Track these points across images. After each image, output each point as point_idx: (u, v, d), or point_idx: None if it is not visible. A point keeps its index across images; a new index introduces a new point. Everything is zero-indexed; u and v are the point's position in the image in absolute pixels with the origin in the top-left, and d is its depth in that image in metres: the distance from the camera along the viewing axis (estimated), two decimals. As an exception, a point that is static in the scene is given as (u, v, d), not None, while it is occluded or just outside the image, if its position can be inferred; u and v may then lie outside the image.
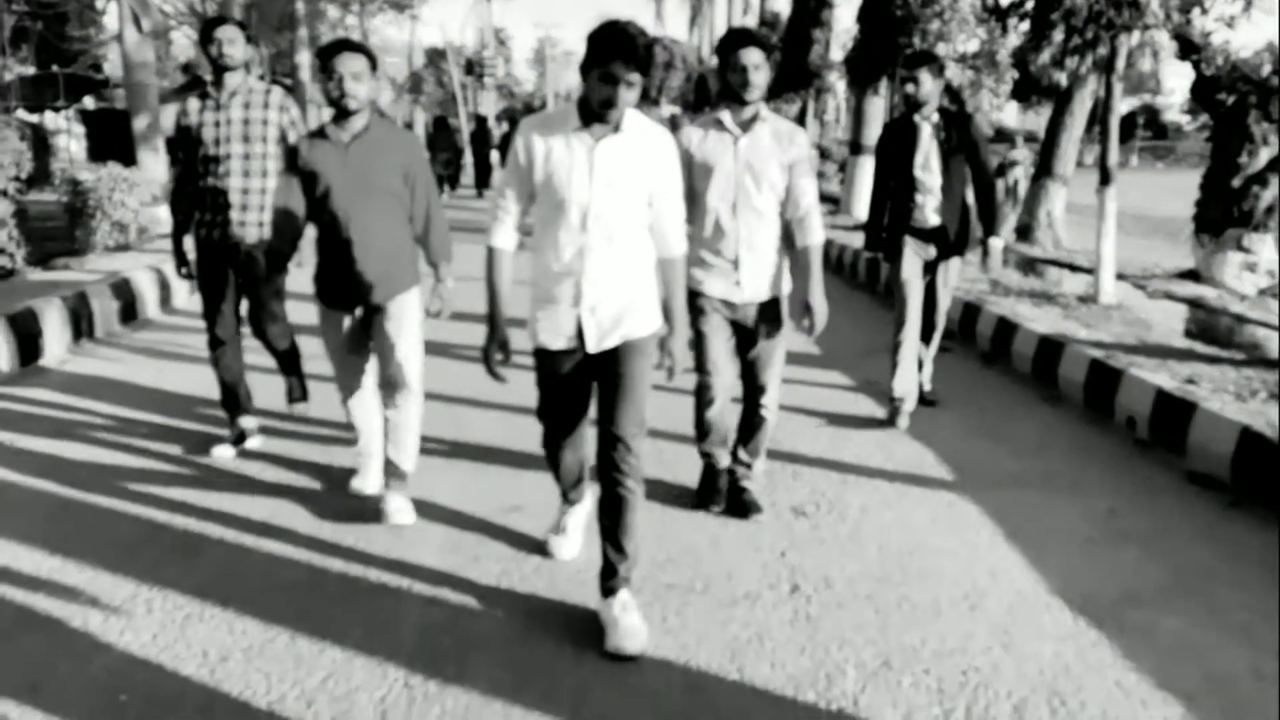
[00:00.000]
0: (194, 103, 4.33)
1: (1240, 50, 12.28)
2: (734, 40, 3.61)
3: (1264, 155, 11.71)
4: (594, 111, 2.80)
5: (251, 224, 4.29)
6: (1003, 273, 9.36)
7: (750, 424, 3.90)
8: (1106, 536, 3.76)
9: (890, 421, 5.02)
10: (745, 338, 3.77)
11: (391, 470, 3.78)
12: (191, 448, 4.49)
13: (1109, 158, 7.77)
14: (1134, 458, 4.70)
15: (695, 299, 3.64)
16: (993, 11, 12.28)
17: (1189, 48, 11.76)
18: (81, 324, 6.76)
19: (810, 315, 3.71)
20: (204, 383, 4.66)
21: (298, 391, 4.75)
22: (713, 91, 28.89)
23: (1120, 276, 10.94)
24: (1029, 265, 11.58)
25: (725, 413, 3.82)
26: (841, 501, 4.05)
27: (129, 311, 7.48)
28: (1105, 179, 7.74)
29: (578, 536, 3.43)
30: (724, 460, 3.92)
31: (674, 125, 12.19)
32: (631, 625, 2.87)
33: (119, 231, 9.71)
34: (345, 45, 3.57)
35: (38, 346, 6.13)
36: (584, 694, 2.64)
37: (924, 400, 5.38)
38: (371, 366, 3.87)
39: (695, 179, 3.62)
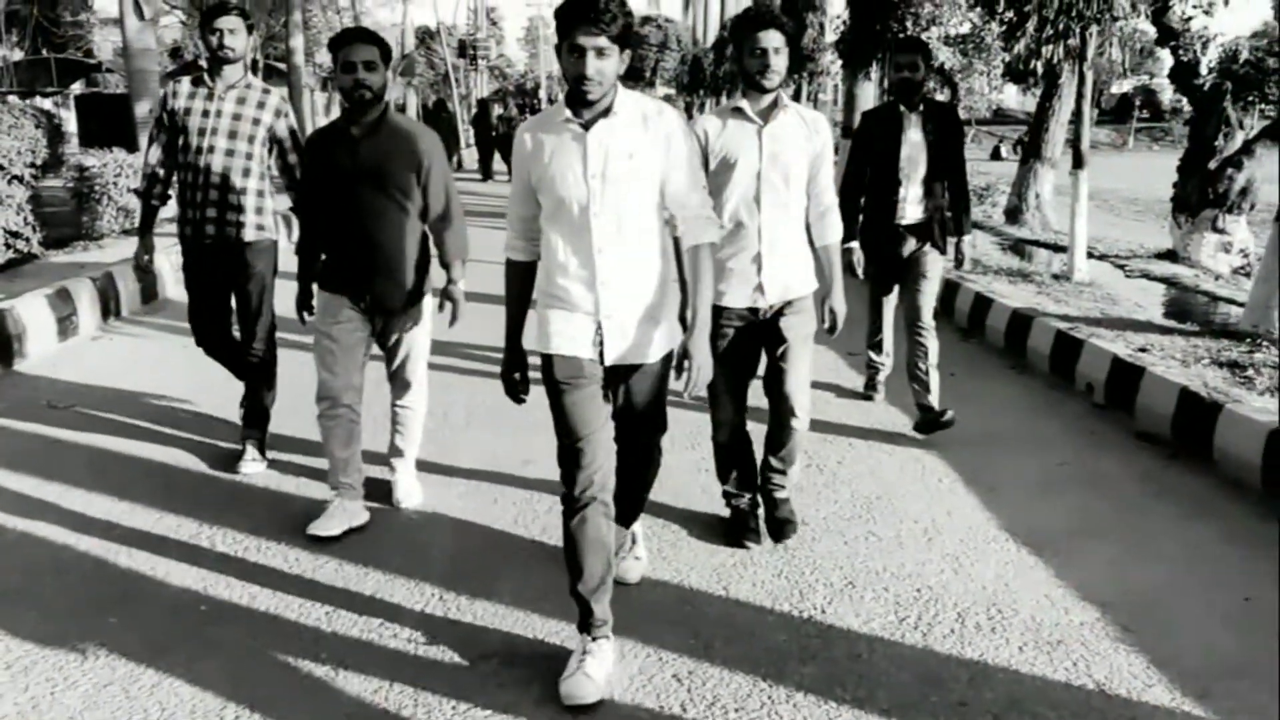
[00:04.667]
0: (185, 85, 4.15)
1: (1219, 36, 12.68)
2: (752, 22, 3.35)
3: (1239, 138, 12.14)
4: (577, 96, 2.54)
5: (231, 223, 4.14)
6: (985, 251, 9.80)
7: (780, 435, 3.56)
8: (1055, 484, 4.22)
9: (867, 392, 5.46)
10: (772, 339, 3.47)
11: (397, 453, 3.90)
12: (222, 416, 4.85)
13: (1082, 142, 8.19)
14: (1089, 418, 5.15)
15: (714, 315, 3.20)
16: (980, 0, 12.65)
17: (1167, 34, 12.16)
18: (109, 303, 7.19)
19: (832, 316, 3.58)
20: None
21: (255, 450, 4.25)
22: (707, 74, 29.16)
23: (1102, 257, 11.40)
24: (1016, 247, 11.98)
25: (743, 440, 3.62)
26: (820, 455, 4.50)
27: (149, 293, 7.88)
28: (1078, 163, 8.17)
29: (601, 680, 2.65)
30: (748, 503, 3.67)
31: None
32: (635, 559, 3.29)
33: (124, 217, 9.90)
34: (357, 35, 3.51)
35: (74, 324, 6.56)
36: (593, 607, 3.10)
37: (940, 422, 4.69)
38: (366, 373, 3.73)
39: (714, 174, 3.34)
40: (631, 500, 3.09)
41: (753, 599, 3.18)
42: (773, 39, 3.28)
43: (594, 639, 2.72)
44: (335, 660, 2.80)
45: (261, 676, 2.72)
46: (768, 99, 3.36)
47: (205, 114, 4.10)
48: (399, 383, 3.85)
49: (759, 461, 3.68)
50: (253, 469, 4.21)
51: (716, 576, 3.33)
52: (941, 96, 20.58)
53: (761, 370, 3.57)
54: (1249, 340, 5.69)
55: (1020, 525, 3.76)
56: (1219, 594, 3.25)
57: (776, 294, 3.41)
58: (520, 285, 2.79)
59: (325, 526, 3.54)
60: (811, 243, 3.55)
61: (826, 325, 3.58)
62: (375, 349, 3.81)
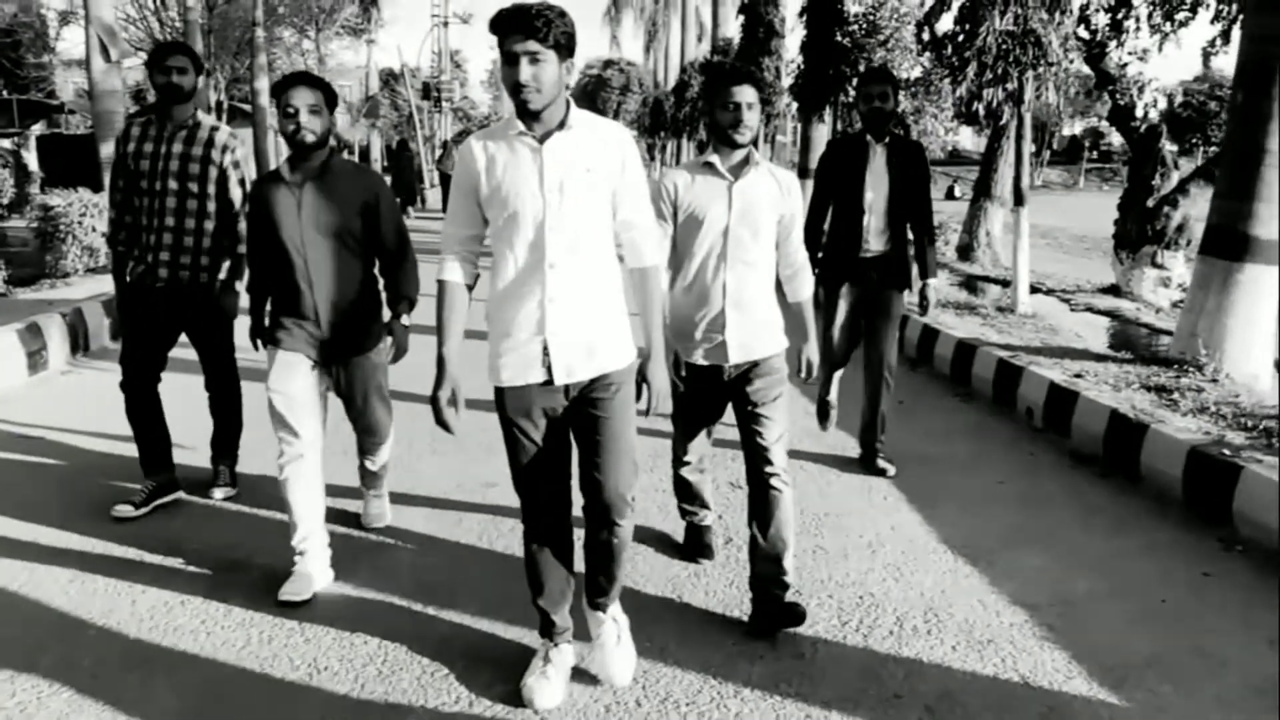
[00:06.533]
0: (135, 129, 4.11)
1: (1154, 80, 13.30)
2: (726, 76, 3.26)
3: (1175, 178, 12.69)
4: (520, 107, 2.50)
5: (184, 266, 4.10)
6: (937, 287, 10.13)
7: (764, 501, 3.25)
8: (993, 501, 4.47)
9: (822, 425, 5.66)
10: (741, 399, 3.34)
11: (367, 476, 4.00)
12: (191, 445, 4.95)
13: (1022, 181, 8.59)
14: (1028, 441, 5.43)
15: (675, 368, 3.38)
16: (927, 45, 13.16)
17: (1105, 79, 12.72)
18: (79, 338, 7.28)
19: (809, 365, 3.57)
20: (193, 393, 4.69)
21: (226, 477, 4.40)
22: (668, 116, 29.73)
23: (1049, 291, 11.85)
24: (966, 282, 12.37)
25: (703, 472, 3.80)
26: (772, 477, 4.71)
27: (117, 328, 7.95)
28: (1019, 201, 8.56)
29: (561, 682, 2.83)
30: (707, 518, 3.82)
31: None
32: (622, 657, 2.91)
33: (88, 256, 10.01)
34: (300, 79, 3.44)
35: (44, 358, 6.64)
36: (553, 617, 3.26)
37: (877, 468, 4.85)
38: (322, 424, 3.62)
39: (681, 229, 3.32)
40: (602, 572, 2.84)
41: (706, 606, 3.38)
42: (746, 94, 3.20)
43: (555, 644, 2.90)
44: (308, 668, 2.95)
45: (238, 683, 2.86)
46: (739, 155, 3.29)
47: (156, 155, 4.06)
48: (362, 424, 3.83)
49: (749, 548, 3.35)
50: (223, 494, 4.35)
51: (671, 586, 3.52)
52: (895, 138, 21.12)
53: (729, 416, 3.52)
54: (1176, 366, 6.02)
55: (958, 538, 4.00)
56: (1138, 597, 3.50)
57: (740, 354, 3.31)
58: (451, 308, 2.67)
59: (294, 591, 3.36)
60: (782, 297, 3.50)
61: (803, 374, 3.58)
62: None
